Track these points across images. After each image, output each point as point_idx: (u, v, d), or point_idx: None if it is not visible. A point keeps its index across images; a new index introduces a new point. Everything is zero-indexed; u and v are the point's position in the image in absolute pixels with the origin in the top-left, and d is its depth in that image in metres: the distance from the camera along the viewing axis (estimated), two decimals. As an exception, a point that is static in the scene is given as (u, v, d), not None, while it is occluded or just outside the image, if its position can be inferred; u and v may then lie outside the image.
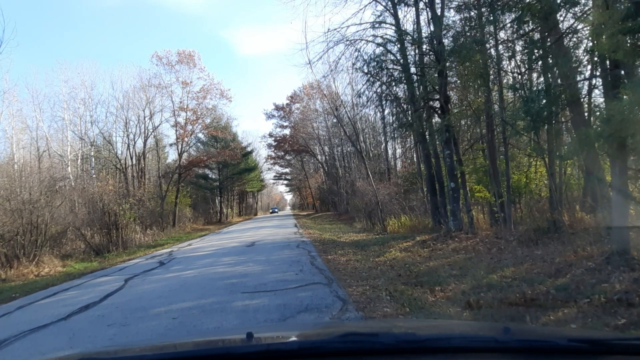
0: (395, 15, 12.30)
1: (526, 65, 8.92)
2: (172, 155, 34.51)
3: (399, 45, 11.96)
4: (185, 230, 26.71)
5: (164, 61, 27.83)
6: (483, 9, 9.13)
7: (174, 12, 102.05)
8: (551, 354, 1.30)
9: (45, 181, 14.66)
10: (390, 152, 27.13)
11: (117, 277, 8.85)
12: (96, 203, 16.15)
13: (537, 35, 7.76)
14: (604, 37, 5.12)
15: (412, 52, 12.18)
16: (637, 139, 4.81)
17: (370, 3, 12.61)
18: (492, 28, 9.21)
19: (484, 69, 8.88)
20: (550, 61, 7.53)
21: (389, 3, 12.33)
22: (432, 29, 10.76)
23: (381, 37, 12.23)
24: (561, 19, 7.34)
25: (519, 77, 9.89)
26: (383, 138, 27.13)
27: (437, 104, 11.11)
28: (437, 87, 10.62)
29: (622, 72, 5.56)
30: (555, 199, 8.34)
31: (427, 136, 12.45)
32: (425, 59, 11.67)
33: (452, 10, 11.02)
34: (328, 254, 9.87)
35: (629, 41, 4.99)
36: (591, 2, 6.38)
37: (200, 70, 29.15)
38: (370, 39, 12.20)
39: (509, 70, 10.30)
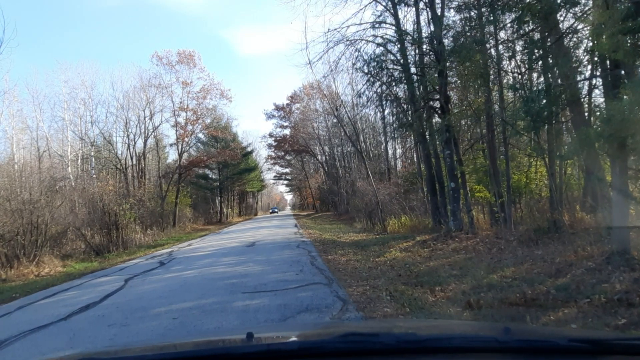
0: (395, 15, 12.30)
1: (526, 65, 8.92)
2: (172, 156, 34.59)
3: (399, 45, 11.96)
4: (185, 231, 26.72)
5: (164, 61, 27.87)
6: (483, 9, 9.13)
7: (174, 12, 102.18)
8: (551, 354, 1.30)
9: (46, 181, 14.67)
10: (390, 152, 27.16)
11: (117, 277, 8.85)
12: (96, 203, 16.15)
13: (537, 35, 7.76)
14: (604, 37, 5.12)
15: (412, 52, 12.19)
16: (638, 139, 4.81)
17: (370, 3, 12.64)
18: (492, 28, 9.21)
19: (484, 69, 8.88)
20: (551, 61, 7.53)
21: (389, 3, 12.33)
22: (432, 29, 10.77)
23: (381, 37, 12.24)
24: (561, 19, 7.34)
25: (519, 77, 9.89)
26: (383, 138, 27.14)
27: (437, 104, 11.11)
28: (437, 87, 10.62)
29: (622, 72, 5.56)
30: (556, 199, 8.34)
31: (427, 136, 12.45)
32: (426, 59, 11.67)
33: (452, 10, 11.03)
34: (328, 254, 9.86)
35: (629, 41, 4.99)
36: (591, 2, 6.38)
37: (200, 70, 29.20)
38: (371, 39, 12.22)
39: (509, 70, 10.31)
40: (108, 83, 49.74)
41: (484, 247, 7.69)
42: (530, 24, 7.46)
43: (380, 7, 12.56)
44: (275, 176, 60.95)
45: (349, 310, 4.64)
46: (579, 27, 7.19)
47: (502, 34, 9.81)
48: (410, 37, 11.67)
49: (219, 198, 42.71)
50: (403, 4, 12.00)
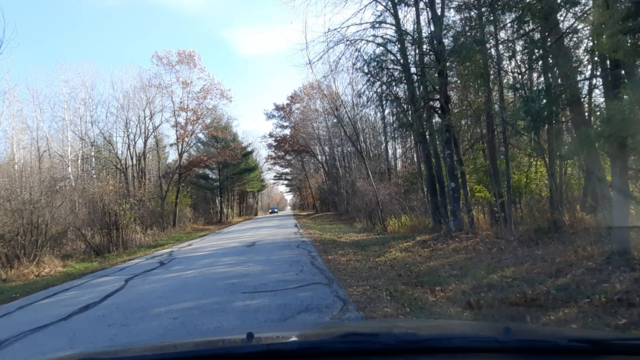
0: (395, 15, 12.30)
1: (526, 65, 8.91)
2: (172, 156, 34.60)
3: (399, 45, 11.96)
4: (185, 231, 26.72)
5: (164, 61, 27.87)
6: (483, 9, 9.13)
7: (174, 12, 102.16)
8: (552, 354, 1.30)
9: (46, 181, 14.68)
10: (390, 152, 27.16)
11: (117, 277, 8.85)
12: (96, 203, 16.16)
13: (537, 35, 7.75)
14: (604, 36, 5.11)
15: (413, 52, 12.18)
16: (638, 139, 4.81)
17: (370, 3, 12.63)
18: (492, 28, 9.20)
19: (484, 69, 8.88)
20: (551, 61, 7.53)
21: (389, 3, 12.33)
22: (432, 28, 10.76)
23: (381, 37, 12.24)
24: (561, 18, 7.33)
25: (519, 77, 9.89)
26: (383, 138, 27.15)
27: (437, 104, 11.11)
28: (437, 87, 10.62)
29: (623, 71, 5.56)
30: (556, 198, 8.34)
31: (427, 136, 12.45)
32: (426, 59, 11.67)
33: (452, 10, 11.03)
34: (328, 254, 9.87)
35: (629, 41, 4.99)
36: (591, 1, 6.38)
37: (200, 70, 29.20)
38: (371, 39, 12.21)
39: (509, 70, 10.30)
40: (108, 83, 49.81)
41: (484, 247, 7.68)
42: (531, 23, 7.46)
43: (380, 7, 12.57)
44: (275, 176, 61.03)
45: (349, 310, 4.64)
46: (579, 27, 7.19)
47: (502, 34, 9.82)
48: (410, 37, 11.67)
49: (219, 198, 42.71)
50: (403, 4, 12.00)
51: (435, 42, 10.25)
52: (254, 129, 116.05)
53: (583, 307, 3.75)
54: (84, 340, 4.34)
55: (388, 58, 12.05)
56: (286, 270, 7.55)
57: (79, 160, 26.24)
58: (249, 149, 46.54)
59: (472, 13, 10.11)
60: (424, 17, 11.75)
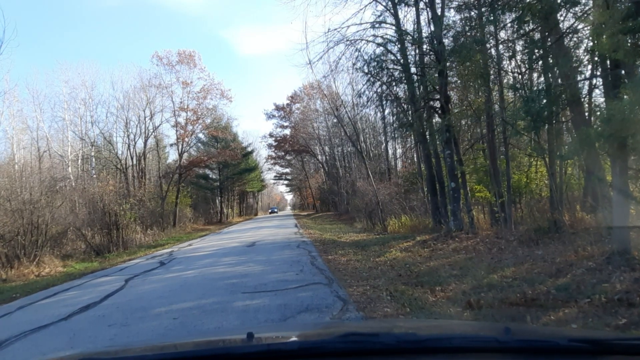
0: (395, 15, 12.30)
1: (526, 65, 8.91)
2: (172, 156, 34.61)
3: (399, 45, 11.96)
4: (185, 231, 26.72)
5: (164, 61, 27.87)
6: (483, 9, 9.13)
7: (174, 12, 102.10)
8: (552, 354, 1.30)
9: (46, 181, 14.68)
10: (390, 152, 27.17)
11: (117, 277, 8.85)
12: (97, 203, 16.16)
13: (537, 35, 7.75)
14: (604, 36, 5.11)
15: (413, 52, 12.18)
16: (638, 139, 4.81)
17: (370, 3, 12.62)
18: (492, 28, 9.20)
19: (485, 69, 8.88)
20: (551, 61, 7.53)
21: (389, 3, 12.33)
22: (432, 28, 10.76)
23: (381, 37, 12.24)
24: (561, 18, 7.33)
25: (520, 76, 9.89)
26: (383, 138, 27.15)
27: (437, 104, 11.11)
28: (437, 87, 10.62)
29: (623, 71, 5.55)
30: (556, 198, 8.34)
31: (427, 136, 12.45)
32: (426, 58, 11.67)
33: (452, 10, 11.03)
34: (328, 254, 9.87)
35: (629, 41, 4.99)
36: (592, 1, 6.38)
37: (200, 70, 29.19)
38: (371, 39, 12.21)
39: (510, 70, 10.31)
40: (108, 83, 49.86)
41: (484, 247, 7.68)
42: (531, 23, 7.45)
43: (380, 7, 12.57)
44: (275, 176, 61.02)
45: (349, 310, 4.64)
46: (579, 27, 7.19)
47: (502, 34, 9.82)
48: (411, 37, 11.67)
49: (219, 198, 42.71)
50: (403, 4, 11.99)
51: (435, 42, 10.25)
52: (254, 129, 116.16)
53: (583, 307, 3.75)
54: (84, 340, 4.34)
55: (388, 58, 12.05)
56: (286, 270, 7.55)
57: (79, 160, 26.25)
58: (249, 149, 46.57)
59: (472, 13, 10.12)
60: (424, 17, 11.77)
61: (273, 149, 46.88)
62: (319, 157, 41.77)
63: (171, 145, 31.38)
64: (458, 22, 10.79)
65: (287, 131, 42.92)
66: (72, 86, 26.49)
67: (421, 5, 11.45)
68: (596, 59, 6.74)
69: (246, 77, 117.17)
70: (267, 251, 11.14)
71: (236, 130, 43.02)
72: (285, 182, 66.14)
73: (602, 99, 7.26)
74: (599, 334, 2.35)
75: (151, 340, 3.73)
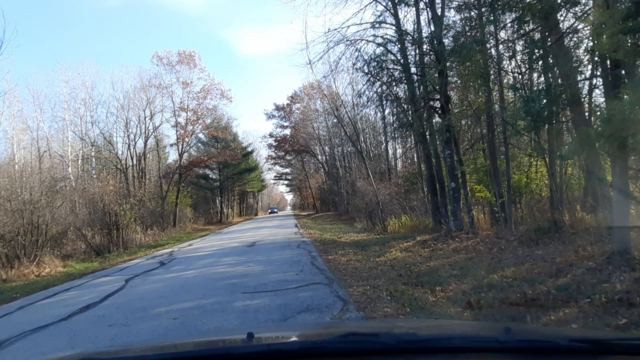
0: (395, 15, 12.30)
1: (527, 65, 8.92)
2: (172, 156, 34.62)
3: (399, 45, 11.96)
4: (185, 231, 26.72)
5: (164, 61, 27.87)
6: (483, 9, 9.13)
7: (174, 12, 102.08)
8: (552, 354, 1.30)
9: (46, 181, 14.68)
10: (390, 152, 27.17)
11: (117, 277, 8.85)
12: (97, 203, 16.16)
13: (537, 35, 7.75)
14: (604, 36, 5.11)
15: (413, 52, 12.19)
16: (638, 139, 4.81)
17: (370, 3, 12.63)
18: (492, 28, 9.20)
19: (485, 69, 8.88)
20: (551, 61, 7.52)
21: (389, 3, 12.33)
22: (432, 28, 10.76)
23: (381, 37, 12.24)
24: (562, 18, 7.33)
25: (520, 77, 9.89)
26: (383, 138, 27.15)
27: (437, 104, 11.11)
28: (437, 87, 10.62)
29: (623, 71, 5.55)
30: (556, 198, 8.34)
31: (427, 136, 12.45)
32: (426, 58, 11.67)
33: (452, 10, 11.03)
34: (329, 254, 9.87)
35: (629, 41, 4.99)
36: (592, 1, 6.37)
37: (200, 70, 29.19)
38: (371, 39, 12.21)
39: (510, 70, 10.31)
40: (108, 83, 49.88)
41: (485, 247, 7.68)
42: (531, 23, 7.45)
43: (380, 7, 12.57)
44: (275, 176, 61.01)
45: (350, 310, 4.64)
46: (580, 26, 7.19)
47: (502, 34, 9.82)
48: (411, 37, 11.67)
49: (220, 198, 42.71)
50: (403, 4, 11.99)
51: (435, 42, 10.25)
52: (254, 129, 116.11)
53: (583, 307, 3.75)
54: (84, 340, 4.34)
55: (388, 58, 12.05)
56: (286, 270, 7.55)
57: (79, 161, 26.26)
58: (249, 149, 46.57)
59: (472, 13, 10.12)
60: (424, 17, 11.77)
61: (273, 149, 46.92)
62: (319, 157, 41.78)
63: (171, 145, 31.43)
64: (458, 22, 10.81)
65: (287, 131, 42.94)
66: (72, 86, 26.54)
67: (421, 5, 11.45)
68: (596, 59, 6.74)
69: (246, 77, 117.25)
70: (267, 251, 11.13)
71: (236, 130, 43.11)
72: (286, 182, 66.18)
73: (602, 99, 7.26)
74: (599, 334, 2.35)
75: (151, 340, 3.74)
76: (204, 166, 36.02)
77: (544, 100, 6.58)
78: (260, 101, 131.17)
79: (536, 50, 7.21)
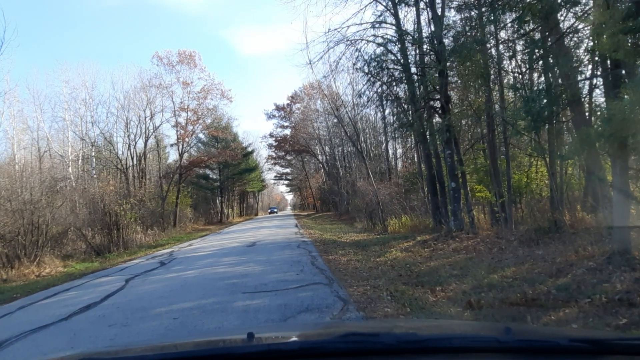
0: (395, 15, 12.30)
1: (527, 65, 8.91)
2: (172, 156, 34.63)
3: (399, 45, 11.96)
4: (186, 231, 26.73)
5: (164, 61, 27.88)
6: (484, 9, 9.13)
7: (174, 12, 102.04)
8: (552, 354, 1.30)
9: (46, 182, 14.69)
10: (390, 152, 27.17)
11: (118, 277, 8.85)
12: (97, 203, 16.16)
13: (537, 35, 7.75)
14: (604, 36, 5.11)
15: (413, 52, 12.18)
16: (638, 139, 4.81)
17: (370, 3, 12.62)
18: (492, 28, 9.20)
19: (485, 69, 8.87)
20: (551, 61, 7.52)
21: (390, 3, 12.33)
22: (432, 28, 10.76)
23: (382, 37, 12.23)
24: (562, 18, 7.33)
25: (520, 76, 9.89)
26: (384, 138, 27.15)
27: (437, 104, 11.11)
28: (437, 87, 10.62)
29: (623, 71, 5.55)
30: (556, 198, 8.34)
31: (427, 136, 12.45)
32: (426, 58, 11.67)
33: (452, 10, 11.03)
34: (329, 254, 9.86)
35: (629, 41, 4.98)
36: (592, 1, 6.37)
37: (200, 70, 29.19)
38: (371, 39, 12.20)
39: (510, 70, 10.31)
40: (109, 83, 49.81)
41: (485, 247, 7.68)
42: (531, 23, 7.45)
43: (380, 7, 12.57)
44: (275, 176, 61.00)
45: (350, 310, 4.64)
46: (580, 26, 7.19)
47: (502, 34, 9.82)
48: (411, 37, 11.67)
49: (220, 198, 42.71)
50: (403, 4, 11.99)
51: (435, 42, 10.25)
52: (255, 129, 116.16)
53: (584, 307, 3.75)
54: (84, 340, 4.34)
55: (388, 58, 12.05)
56: (287, 270, 7.55)
57: (80, 161, 26.27)
58: (249, 149, 46.57)
59: (473, 13, 10.11)
60: (424, 17, 11.77)
61: (273, 149, 46.91)
62: (319, 157, 41.77)
63: (171, 145, 31.44)
64: (458, 22, 10.81)
65: (288, 131, 42.93)
66: (73, 86, 26.56)
67: (421, 5, 11.45)
68: (596, 58, 6.74)
69: (246, 77, 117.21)
70: (267, 251, 11.13)
71: (236, 130, 43.09)
72: (286, 182, 66.16)
73: (603, 99, 7.26)
74: (599, 334, 2.34)
75: (151, 340, 3.74)
76: (204, 166, 36.02)
77: (544, 100, 6.58)
78: (260, 101, 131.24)
79: (536, 50, 7.21)
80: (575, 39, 7.45)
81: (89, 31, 71.95)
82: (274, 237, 16.02)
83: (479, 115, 10.36)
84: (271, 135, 45.23)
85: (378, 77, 12.37)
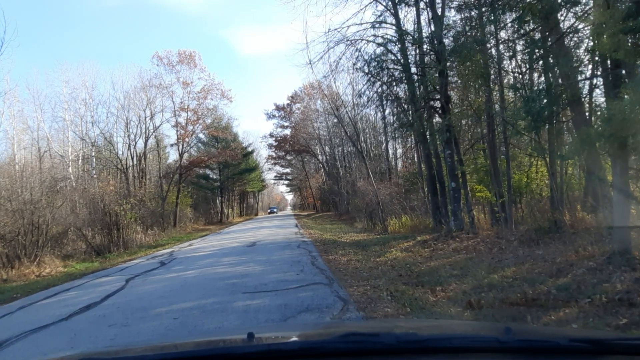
0: (395, 15, 12.30)
1: (527, 65, 8.92)
2: (172, 156, 34.62)
3: (399, 45, 11.96)
4: (186, 231, 26.73)
5: (164, 61, 27.87)
6: (484, 9, 9.13)
7: (174, 12, 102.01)
8: (552, 354, 1.30)
9: (47, 182, 14.70)
10: (391, 152, 27.17)
11: (118, 277, 8.85)
12: (97, 203, 16.16)
13: (537, 35, 7.75)
14: (605, 36, 5.11)
15: (413, 52, 12.18)
16: (638, 139, 4.81)
17: (370, 3, 12.61)
18: (492, 28, 9.20)
19: (485, 69, 8.87)
20: (551, 61, 7.52)
21: (390, 3, 12.33)
22: (432, 28, 10.76)
23: (382, 37, 12.23)
24: (562, 18, 7.33)
25: (520, 76, 9.89)
26: (384, 138, 27.15)
27: (437, 104, 11.11)
28: (437, 87, 10.62)
29: (623, 71, 5.55)
30: (557, 198, 8.34)
31: (427, 136, 12.45)
32: (426, 58, 11.66)
33: (452, 10, 11.03)
34: (329, 254, 9.86)
35: (629, 40, 4.99)
36: (592, 1, 6.37)
37: (200, 70, 29.18)
38: (371, 39, 12.20)
39: (510, 70, 10.31)
40: (109, 83, 49.82)
41: (485, 247, 7.68)
42: (531, 23, 7.45)
43: (380, 7, 12.56)
44: (275, 176, 60.99)
45: (350, 310, 4.64)
46: (580, 26, 7.19)
47: (502, 34, 9.82)
48: (411, 37, 11.67)
49: (220, 198, 42.71)
50: (403, 4, 11.99)
51: (435, 42, 10.25)
52: (255, 129, 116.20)
53: (584, 307, 3.75)
54: (84, 340, 4.34)
55: (388, 58, 12.05)
56: (287, 270, 7.55)
57: (80, 161, 26.28)
58: (249, 149, 46.57)
59: (473, 13, 10.12)
60: (424, 17, 11.77)
61: (273, 149, 46.91)
62: (319, 157, 41.77)
63: (171, 145, 31.43)
64: (458, 22, 10.82)
65: (288, 131, 42.93)
66: (73, 86, 26.56)
67: (421, 5, 11.45)
68: (597, 58, 6.74)
69: (246, 77, 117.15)
70: (267, 251, 11.13)
71: (236, 130, 43.08)
72: (286, 182, 66.14)
73: (603, 99, 7.26)
74: (599, 334, 2.34)
75: (151, 340, 3.73)
76: (204, 166, 36.02)
77: (545, 100, 6.58)
78: (260, 101, 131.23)
79: (536, 50, 7.21)
80: (575, 39, 7.46)
81: (89, 31, 71.98)
82: (274, 237, 16.01)
83: (479, 115, 10.36)
84: (271, 135, 45.28)
85: (378, 77, 12.37)
